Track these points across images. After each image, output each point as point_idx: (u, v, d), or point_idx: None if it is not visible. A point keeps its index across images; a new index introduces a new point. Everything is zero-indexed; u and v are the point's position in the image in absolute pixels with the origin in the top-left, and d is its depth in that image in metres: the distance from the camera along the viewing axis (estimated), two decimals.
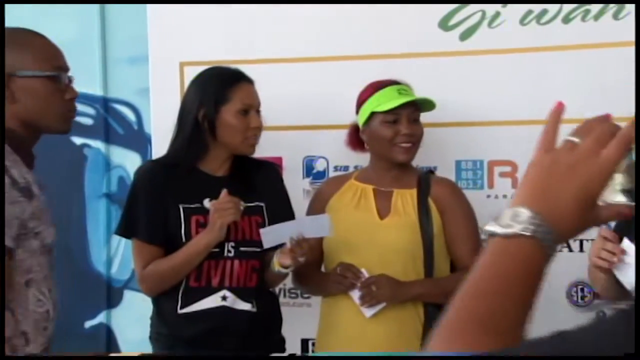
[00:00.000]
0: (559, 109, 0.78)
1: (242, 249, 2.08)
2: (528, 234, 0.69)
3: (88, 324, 3.01)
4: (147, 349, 2.29)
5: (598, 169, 0.71)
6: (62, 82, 1.67)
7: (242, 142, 2.09)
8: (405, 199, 2.08)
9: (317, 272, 2.18)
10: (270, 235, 2.03)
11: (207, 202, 2.07)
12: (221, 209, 1.99)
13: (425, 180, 2.10)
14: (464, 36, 2.43)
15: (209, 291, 2.06)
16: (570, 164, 0.72)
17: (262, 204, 2.14)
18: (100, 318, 3.01)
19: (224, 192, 2.02)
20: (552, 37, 2.36)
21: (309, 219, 2.08)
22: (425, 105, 2.12)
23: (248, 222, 2.10)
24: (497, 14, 2.42)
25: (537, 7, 2.39)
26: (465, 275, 2.29)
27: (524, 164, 2.33)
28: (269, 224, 2.11)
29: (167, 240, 2.08)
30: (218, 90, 2.08)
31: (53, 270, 1.72)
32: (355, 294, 2.02)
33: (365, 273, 2.02)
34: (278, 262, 2.03)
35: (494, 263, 0.70)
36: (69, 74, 1.73)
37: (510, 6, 2.40)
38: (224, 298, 2.07)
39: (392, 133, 2.05)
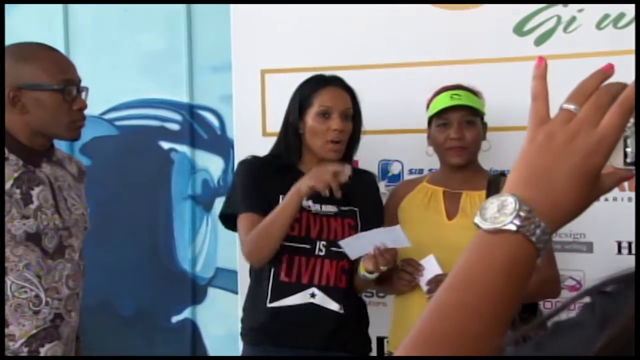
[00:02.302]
0: (541, 65, 0.69)
1: (333, 249, 2.11)
2: (513, 229, 0.62)
3: (174, 319, 3.14)
4: (230, 343, 2.39)
5: (598, 139, 0.62)
6: (70, 94, 1.76)
7: (323, 145, 2.11)
8: (473, 201, 2.10)
9: (389, 272, 2.23)
10: (351, 246, 2.04)
11: (303, 201, 2.09)
12: (320, 174, 1.99)
13: (495, 183, 2.11)
14: (539, 41, 2.44)
15: (299, 287, 2.10)
16: (568, 138, 0.63)
17: (355, 209, 2.18)
18: (186, 314, 3.13)
19: (346, 166, 2.03)
20: (630, 41, 2.34)
21: (383, 231, 2.06)
22: (480, 106, 2.15)
23: (341, 223, 2.14)
24: (573, 19, 2.41)
25: (613, 11, 2.37)
26: (536, 275, 2.31)
27: None
28: (361, 229, 2.13)
29: None
30: (303, 96, 2.14)
31: (49, 256, 1.77)
32: (424, 285, 2.05)
33: (434, 260, 2.03)
34: (363, 266, 2.05)
35: (474, 261, 0.64)
36: (82, 84, 1.82)
37: (586, 10, 2.39)
38: (312, 295, 2.10)
39: (444, 137, 2.10)
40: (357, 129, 2.19)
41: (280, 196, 2.11)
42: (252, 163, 2.20)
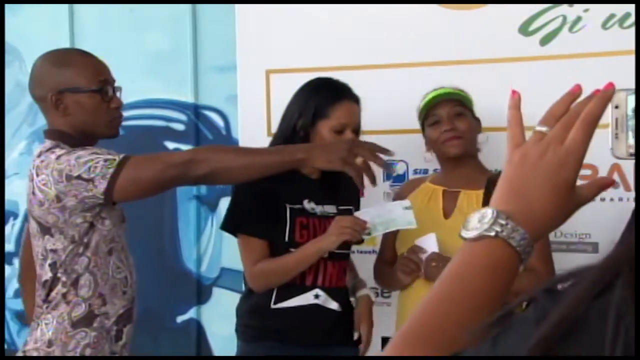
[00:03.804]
0: (515, 96, 0.76)
1: (336, 251, 2.13)
2: (492, 234, 0.68)
3: (180, 319, 3.15)
4: (234, 343, 2.38)
5: (565, 153, 0.70)
6: (107, 94, 1.87)
7: None
8: (470, 199, 2.11)
9: (391, 268, 2.24)
10: (367, 213, 2.10)
11: (306, 203, 2.15)
12: (343, 225, 2.04)
13: (493, 182, 2.12)
14: (545, 41, 2.43)
15: (303, 289, 2.14)
16: (539, 155, 0.71)
17: (351, 207, 2.22)
18: (191, 313, 3.14)
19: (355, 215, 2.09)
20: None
21: (397, 208, 2.11)
22: (466, 99, 2.16)
23: None
24: (579, 19, 2.41)
25: (619, 11, 2.37)
26: (530, 276, 2.30)
27: (604, 167, 2.34)
28: None
29: (272, 237, 2.13)
30: (319, 104, 2.13)
31: (126, 239, 1.92)
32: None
33: (434, 239, 2.06)
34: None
35: (460, 265, 0.70)
36: (116, 84, 1.92)
37: (592, 10, 2.39)
38: (316, 296, 2.14)
39: (438, 132, 2.12)
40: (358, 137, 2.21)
41: (287, 205, 2.13)
42: None
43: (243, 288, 2.67)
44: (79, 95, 1.83)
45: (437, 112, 2.13)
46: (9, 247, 3.46)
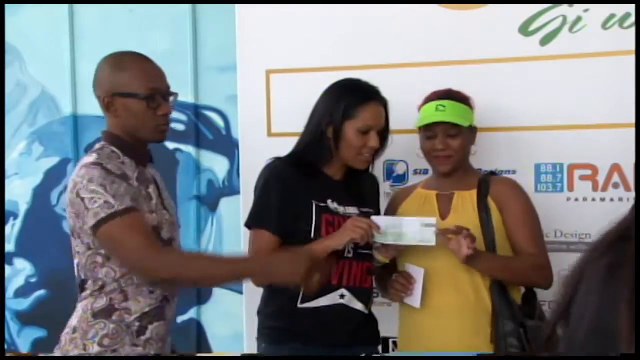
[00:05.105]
0: None
1: (359, 250, 2.16)
2: None
3: (179, 318, 3.14)
4: (234, 343, 2.38)
5: None
6: (154, 101, 1.92)
7: (355, 157, 2.15)
8: (465, 199, 2.15)
9: (387, 276, 2.23)
10: (382, 220, 2.12)
11: (330, 202, 2.16)
12: (358, 225, 2.05)
13: (484, 181, 2.17)
14: (544, 41, 2.43)
15: (329, 289, 2.13)
16: None
17: (372, 210, 2.22)
18: (191, 313, 3.14)
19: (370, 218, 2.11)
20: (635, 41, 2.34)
21: (417, 224, 2.08)
22: (463, 118, 2.16)
23: None
24: (579, 19, 2.41)
25: (619, 11, 2.37)
26: (529, 258, 2.35)
27: (604, 167, 2.34)
28: None
29: (294, 233, 2.13)
30: (348, 105, 2.14)
31: (164, 245, 1.94)
32: (410, 300, 2.12)
33: (419, 272, 2.10)
34: (377, 252, 2.15)
35: None
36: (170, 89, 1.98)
37: (592, 10, 2.39)
38: (341, 296, 2.15)
39: (430, 147, 2.16)
40: (384, 139, 2.21)
41: (313, 202, 2.13)
42: (283, 169, 2.17)
43: (243, 288, 2.68)
44: (127, 100, 1.91)
45: (433, 128, 2.14)
46: (9, 247, 3.46)
